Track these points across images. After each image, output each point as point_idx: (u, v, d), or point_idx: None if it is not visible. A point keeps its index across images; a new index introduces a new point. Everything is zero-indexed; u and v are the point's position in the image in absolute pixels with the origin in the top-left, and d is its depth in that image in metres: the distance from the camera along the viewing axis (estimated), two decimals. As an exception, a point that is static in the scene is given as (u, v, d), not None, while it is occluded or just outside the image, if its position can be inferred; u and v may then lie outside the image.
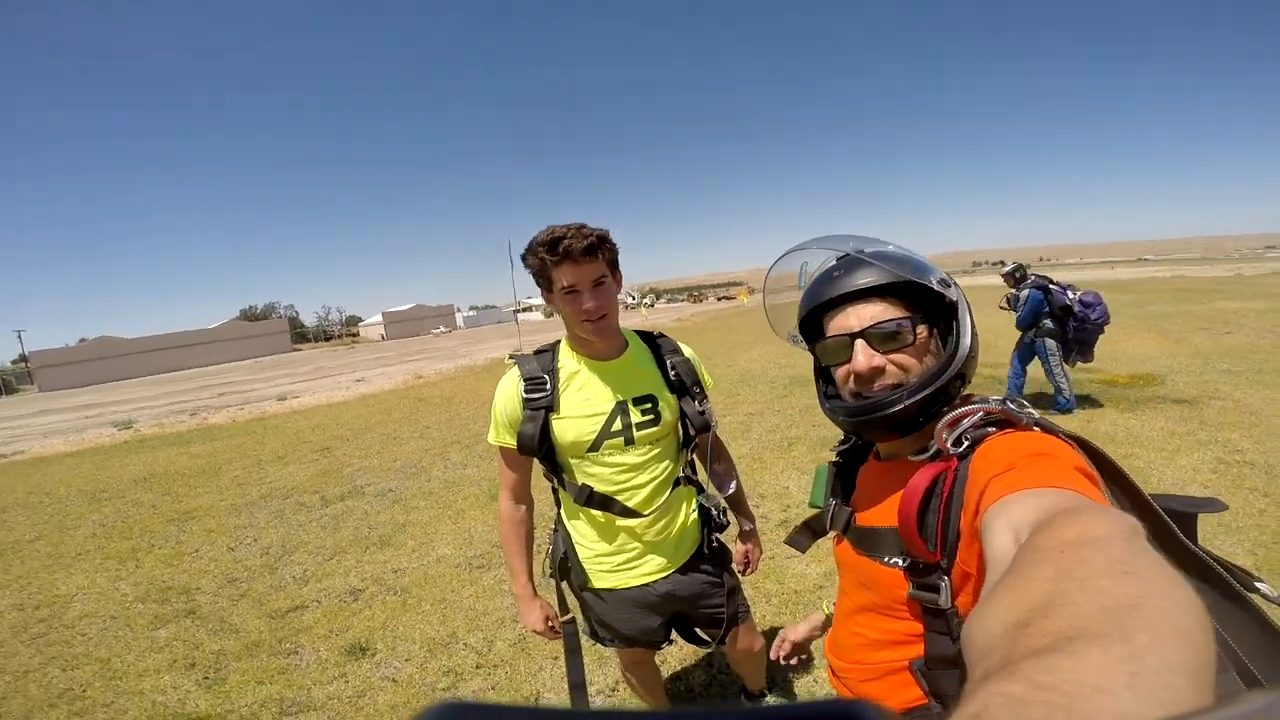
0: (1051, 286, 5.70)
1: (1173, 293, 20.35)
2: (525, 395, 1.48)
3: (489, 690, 2.50)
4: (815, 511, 1.08)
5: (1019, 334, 6.01)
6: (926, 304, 0.88)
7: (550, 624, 1.64)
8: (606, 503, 1.51)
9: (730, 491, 1.74)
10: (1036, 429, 0.75)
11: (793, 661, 1.27)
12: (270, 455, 7.64)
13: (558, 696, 2.40)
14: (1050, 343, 5.71)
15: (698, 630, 1.79)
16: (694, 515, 1.63)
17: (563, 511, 1.66)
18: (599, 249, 1.37)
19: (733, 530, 1.75)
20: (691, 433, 1.61)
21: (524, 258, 1.42)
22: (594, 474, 1.51)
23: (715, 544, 1.67)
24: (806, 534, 1.12)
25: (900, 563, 0.83)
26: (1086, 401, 6.05)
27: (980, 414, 0.77)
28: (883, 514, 0.87)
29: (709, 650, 2.14)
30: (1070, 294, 5.59)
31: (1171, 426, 5.06)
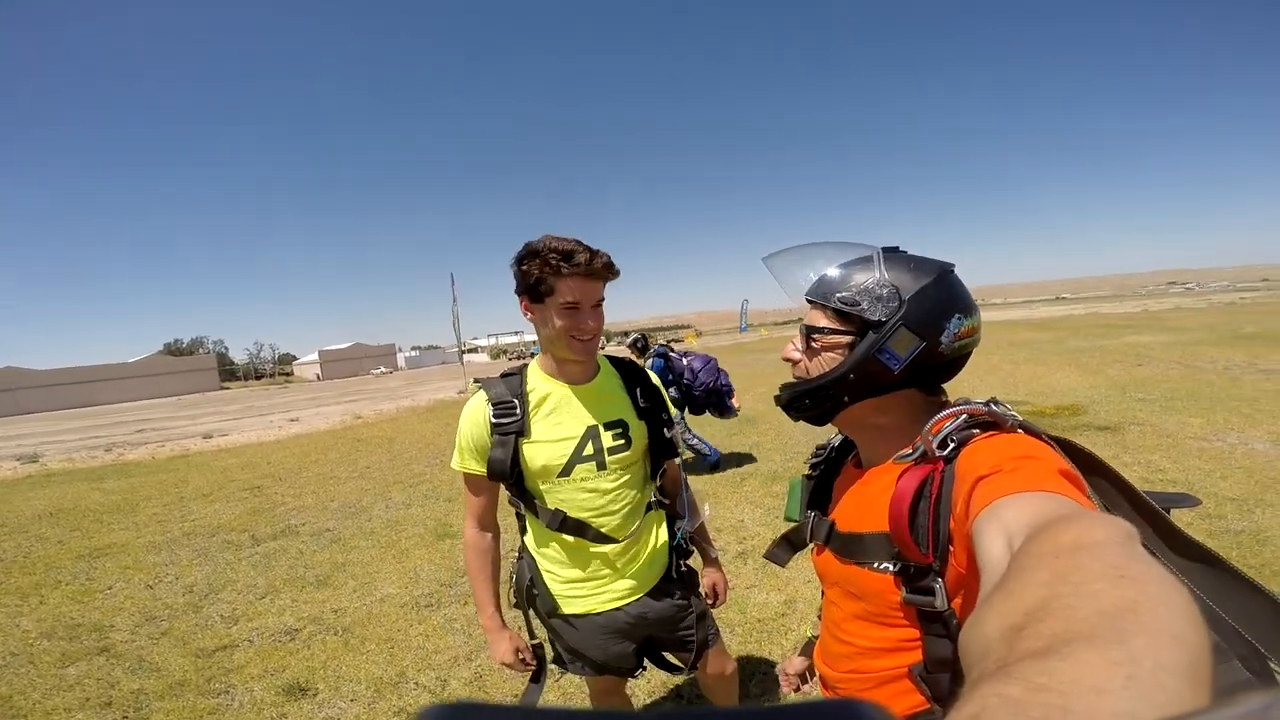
0: (670, 354, 5.87)
1: (1088, 329, 21.73)
2: (494, 420, 1.42)
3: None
4: (792, 525, 1.07)
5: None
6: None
7: (520, 655, 1.56)
8: (580, 528, 1.46)
9: (706, 516, 1.73)
10: (1021, 431, 0.75)
11: (805, 688, 1.25)
12: (194, 492, 7.13)
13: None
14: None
15: (669, 656, 1.74)
16: (663, 539, 1.61)
17: (529, 538, 1.59)
18: (608, 272, 1.36)
19: (696, 563, 1.72)
20: (660, 460, 1.59)
21: (520, 260, 1.34)
22: (566, 499, 1.47)
23: (684, 568, 1.65)
24: (785, 547, 1.10)
25: (890, 567, 0.81)
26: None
27: (964, 416, 0.77)
28: (869, 519, 0.86)
29: (680, 678, 2.08)
30: (684, 360, 5.73)
31: (1098, 451, 5.29)
